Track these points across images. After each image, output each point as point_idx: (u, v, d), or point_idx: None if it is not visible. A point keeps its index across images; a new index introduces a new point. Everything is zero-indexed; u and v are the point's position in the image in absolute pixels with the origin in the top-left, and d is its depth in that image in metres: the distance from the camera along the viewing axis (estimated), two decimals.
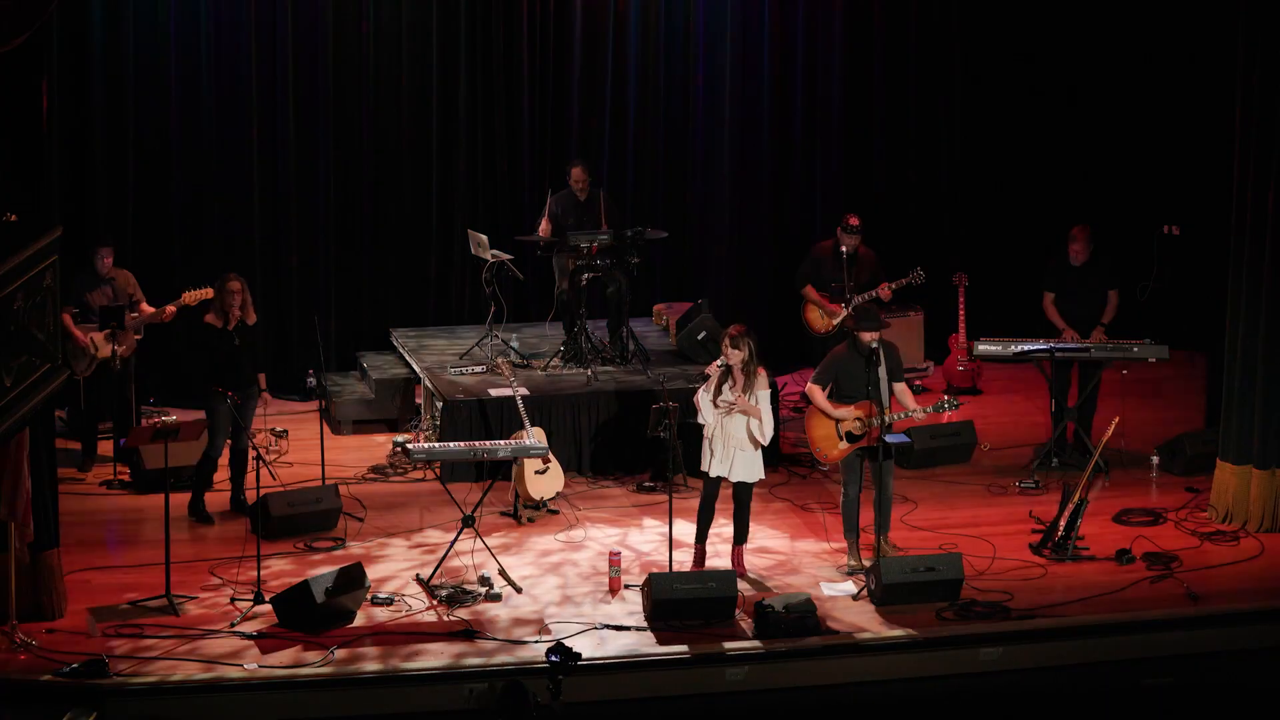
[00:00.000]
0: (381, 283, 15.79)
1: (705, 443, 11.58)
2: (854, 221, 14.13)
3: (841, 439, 11.81)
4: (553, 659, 9.70)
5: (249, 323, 12.54)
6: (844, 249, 14.09)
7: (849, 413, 11.71)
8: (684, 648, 10.75)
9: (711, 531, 11.91)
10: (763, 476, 11.73)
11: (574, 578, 11.78)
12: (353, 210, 15.63)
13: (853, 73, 16.35)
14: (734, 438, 11.49)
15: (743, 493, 11.67)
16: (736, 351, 11.42)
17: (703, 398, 11.54)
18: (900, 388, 11.84)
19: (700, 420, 11.55)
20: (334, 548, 12.23)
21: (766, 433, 11.48)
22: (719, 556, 12.00)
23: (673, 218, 16.00)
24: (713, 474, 11.56)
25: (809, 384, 11.99)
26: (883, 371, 11.69)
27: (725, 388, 11.48)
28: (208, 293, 12.83)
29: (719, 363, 11.56)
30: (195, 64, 15.02)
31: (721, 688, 10.70)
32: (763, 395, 11.48)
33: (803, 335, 14.62)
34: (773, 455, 13.73)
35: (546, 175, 15.70)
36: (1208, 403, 13.92)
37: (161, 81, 14.99)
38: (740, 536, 11.79)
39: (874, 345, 11.64)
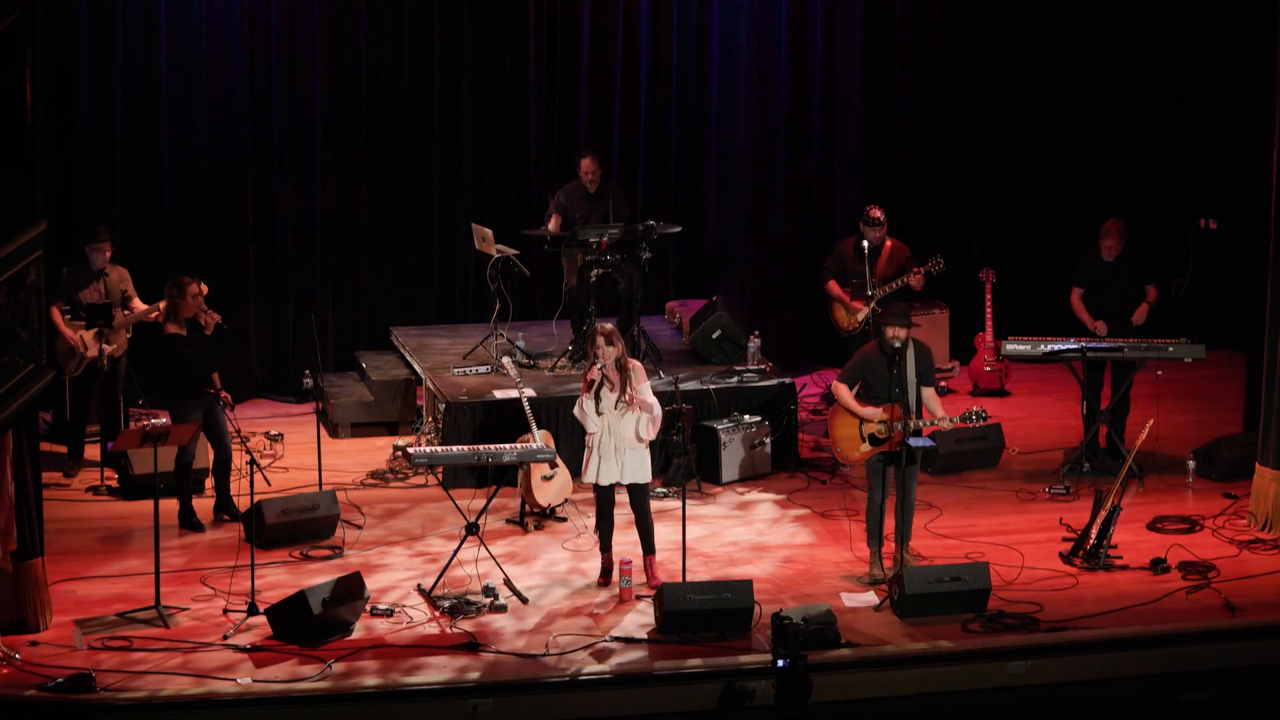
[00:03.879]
0: (381, 279, 15.76)
1: (588, 451, 11.52)
2: (875, 214, 13.93)
3: (864, 440, 11.65)
4: (781, 664, 10.11)
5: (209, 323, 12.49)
6: (865, 243, 13.97)
7: (875, 413, 11.54)
8: (698, 661, 10.58)
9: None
10: (650, 477, 11.61)
11: (583, 587, 11.67)
12: (351, 202, 15.61)
13: (873, 62, 16.27)
14: (625, 439, 11.40)
15: (639, 497, 11.55)
16: (611, 348, 11.39)
17: (587, 406, 11.47)
18: (929, 393, 11.68)
19: (588, 429, 11.50)
20: (331, 556, 12.13)
21: (657, 417, 11.35)
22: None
23: (686, 211, 15.90)
24: (603, 482, 11.50)
25: (835, 381, 11.86)
26: (912, 374, 11.48)
27: (604, 392, 11.39)
28: (161, 305, 12.67)
29: (598, 366, 11.45)
30: (187, 54, 14.97)
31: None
32: (644, 388, 11.41)
33: (820, 335, 14.70)
34: (792, 459, 13.58)
35: (554, 168, 15.76)
36: (1246, 404, 13.90)
37: (152, 71, 14.96)
38: (648, 545, 11.64)
39: (897, 344, 11.44)
